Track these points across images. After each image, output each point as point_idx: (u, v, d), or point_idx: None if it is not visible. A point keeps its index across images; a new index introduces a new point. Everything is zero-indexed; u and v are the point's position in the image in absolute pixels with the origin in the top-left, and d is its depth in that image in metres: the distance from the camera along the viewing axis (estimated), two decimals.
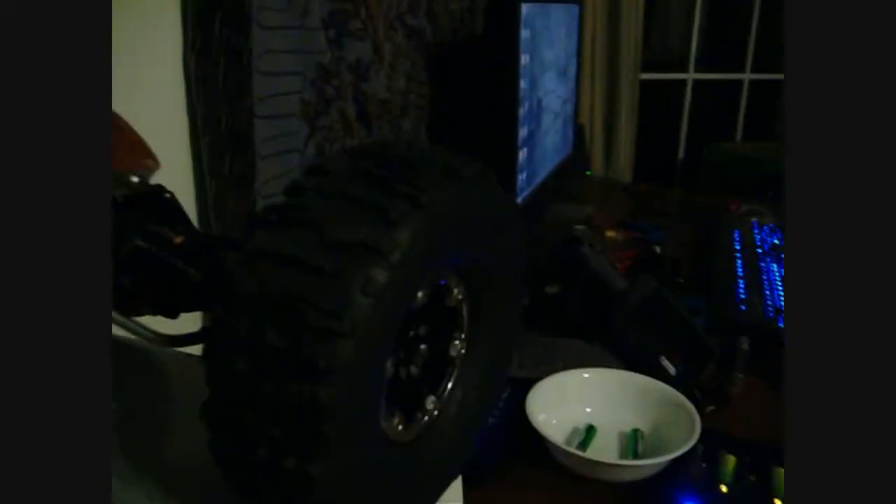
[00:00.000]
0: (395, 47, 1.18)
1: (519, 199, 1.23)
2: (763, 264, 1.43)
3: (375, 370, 0.33)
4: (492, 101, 1.19)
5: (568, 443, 0.88)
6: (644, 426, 0.90)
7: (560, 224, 1.50)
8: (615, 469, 0.82)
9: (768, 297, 1.27)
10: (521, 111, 1.19)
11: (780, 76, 2.67)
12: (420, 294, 0.37)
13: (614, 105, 2.13)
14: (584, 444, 0.87)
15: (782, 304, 1.25)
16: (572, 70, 1.60)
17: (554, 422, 0.89)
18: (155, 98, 0.82)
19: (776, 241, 1.58)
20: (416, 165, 0.34)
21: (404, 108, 1.21)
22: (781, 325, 1.18)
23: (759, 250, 1.52)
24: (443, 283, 0.40)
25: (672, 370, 0.99)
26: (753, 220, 1.71)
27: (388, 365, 0.35)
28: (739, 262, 1.44)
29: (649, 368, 0.97)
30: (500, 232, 0.41)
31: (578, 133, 2.00)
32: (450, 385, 0.43)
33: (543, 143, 1.39)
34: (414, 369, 0.41)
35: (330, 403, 0.30)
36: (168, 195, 0.42)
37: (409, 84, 1.24)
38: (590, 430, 0.89)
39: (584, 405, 0.93)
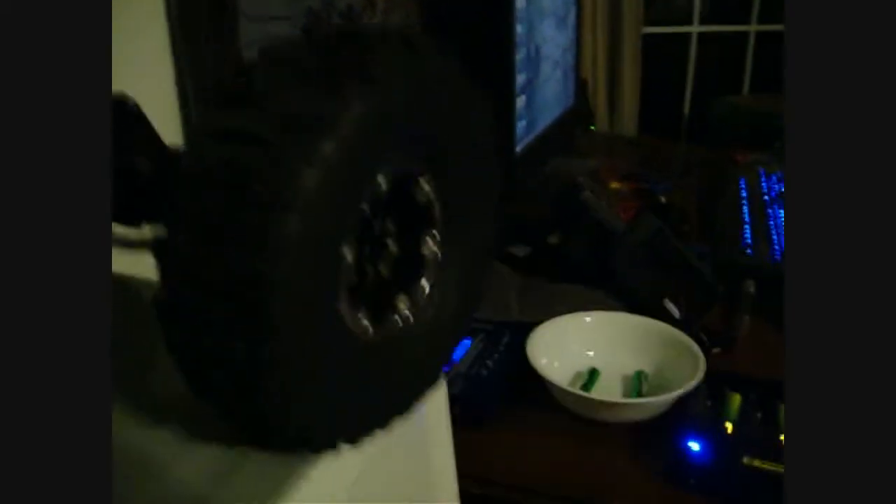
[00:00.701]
0: None
1: (518, 148, 1.20)
2: (770, 210, 1.41)
3: (326, 249, 0.31)
4: (488, 47, 1.16)
5: (571, 386, 0.86)
6: (648, 368, 0.89)
7: (563, 177, 1.47)
8: (619, 408, 0.81)
9: (776, 242, 1.25)
10: (519, 57, 1.16)
11: None
12: (382, 182, 0.35)
13: (617, 59, 2.10)
14: (587, 387, 0.85)
15: None
16: (572, 18, 1.57)
17: (556, 365, 0.87)
18: (138, 41, 0.80)
19: (783, 189, 1.55)
20: (371, 39, 0.32)
21: None
22: None
23: (766, 198, 1.49)
24: (406, 170, 0.38)
25: (676, 313, 0.97)
26: (760, 168, 1.68)
27: (347, 253, 0.33)
28: (746, 208, 1.41)
29: (653, 312, 0.95)
30: (464, 115, 0.39)
31: (581, 87, 1.96)
32: (426, 287, 0.41)
33: (543, 92, 1.36)
34: (383, 267, 0.39)
35: (274, 278, 0.28)
36: (133, 106, 0.40)
37: None
38: (593, 374, 0.88)
39: (587, 349, 0.91)
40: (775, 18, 2.64)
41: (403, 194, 0.38)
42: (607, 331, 0.92)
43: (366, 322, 0.36)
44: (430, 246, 0.41)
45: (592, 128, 2.06)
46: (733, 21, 2.64)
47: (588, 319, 0.93)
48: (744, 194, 1.50)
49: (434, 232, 0.40)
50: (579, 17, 1.65)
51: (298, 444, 0.33)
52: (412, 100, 0.34)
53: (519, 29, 1.15)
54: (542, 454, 0.78)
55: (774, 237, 1.27)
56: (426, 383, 0.42)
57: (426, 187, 0.39)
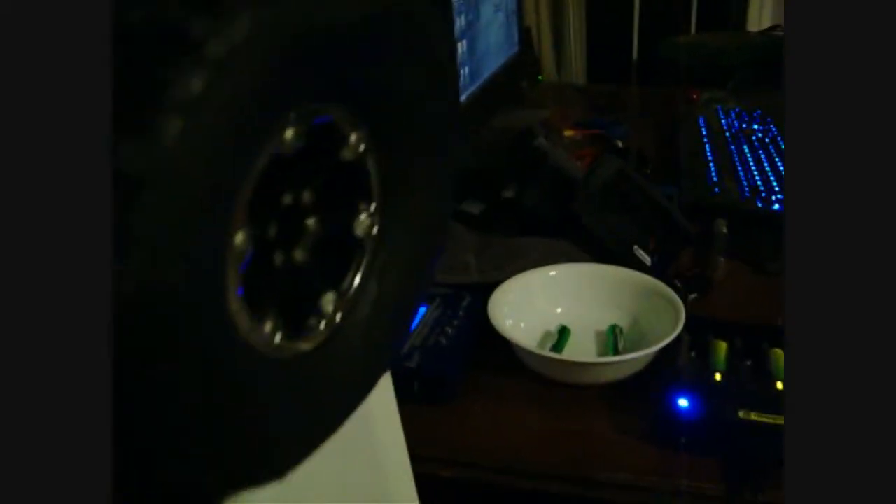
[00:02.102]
0: None
1: (463, 97, 1.11)
2: (733, 147, 1.34)
3: (200, 231, 0.21)
4: None
5: (540, 347, 0.78)
6: (622, 321, 0.81)
7: (514, 127, 1.39)
8: (594, 368, 0.73)
9: (743, 179, 1.18)
10: None
11: None
12: (290, 135, 0.24)
13: (560, 4, 2.01)
14: (557, 347, 0.77)
15: (758, 183, 1.15)
16: None
17: (522, 326, 0.79)
18: None
19: (744, 125, 1.48)
20: None
21: None
22: (760, 204, 1.09)
23: (728, 134, 1.42)
24: (325, 119, 0.27)
25: (647, 259, 0.90)
26: (717, 106, 1.62)
27: (237, 234, 0.23)
28: (708, 146, 1.34)
29: (622, 260, 0.87)
30: (407, 42, 0.28)
31: (525, 36, 1.87)
32: (357, 277, 0.30)
33: (486, 37, 1.27)
34: (300, 254, 0.28)
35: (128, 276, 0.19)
36: None
37: None
38: (563, 332, 0.80)
39: (555, 306, 0.83)
40: None
41: (325, 154, 0.28)
42: (575, 284, 0.84)
43: (271, 329, 0.26)
44: (364, 221, 0.30)
45: (540, 78, 1.97)
46: None
47: (553, 274, 0.84)
48: (704, 132, 1.43)
49: (368, 198, 0.30)
50: None
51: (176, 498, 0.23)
52: (329, 20, 0.24)
53: None
54: (516, 427, 0.70)
55: (741, 174, 1.20)
56: (358, 397, 0.31)
57: (356, 143, 0.28)
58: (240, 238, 0.23)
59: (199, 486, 0.23)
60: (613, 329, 0.80)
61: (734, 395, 0.66)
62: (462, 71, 1.11)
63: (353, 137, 0.28)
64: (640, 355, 0.70)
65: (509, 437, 0.69)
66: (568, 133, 1.47)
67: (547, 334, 0.81)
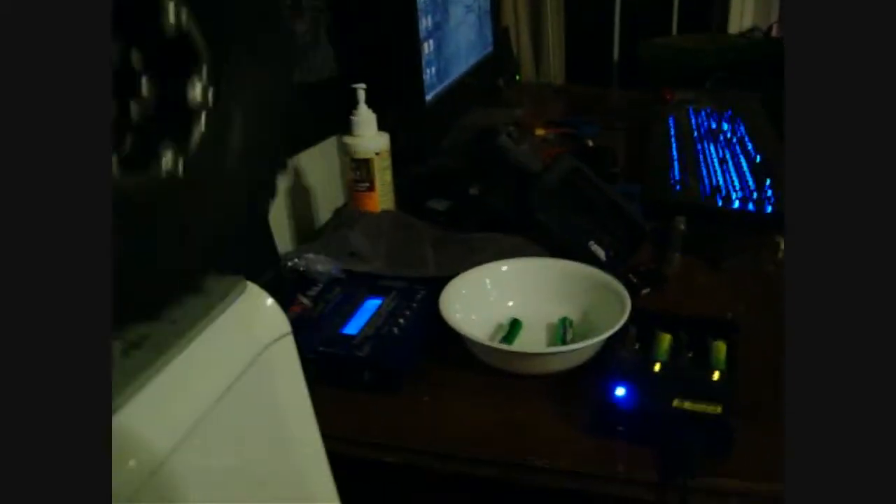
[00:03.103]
0: None
1: (429, 97, 1.13)
2: (700, 146, 1.36)
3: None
4: None
5: (491, 339, 0.80)
6: (573, 314, 0.83)
7: (480, 126, 1.41)
8: (541, 359, 0.75)
9: (705, 178, 1.20)
10: None
11: None
12: None
13: (539, 3, 2.03)
14: (507, 339, 0.79)
15: (720, 182, 1.18)
16: None
17: (473, 318, 0.81)
18: None
19: (713, 125, 1.50)
20: None
21: (295, 9, 1.10)
22: (720, 203, 1.12)
23: (696, 134, 1.44)
24: None
25: (602, 254, 0.92)
26: (689, 106, 1.64)
27: None
28: (675, 146, 1.36)
29: (578, 255, 0.89)
30: None
31: (503, 36, 1.89)
32: (196, 140, 0.32)
33: (455, 37, 1.29)
34: (135, 112, 0.31)
35: None
36: None
37: None
38: (514, 325, 0.82)
39: (506, 299, 0.85)
40: None
41: (147, 21, 0.30)
42: (527, 279, 0.86)
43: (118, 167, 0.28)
44: (197, 90, 0.32)
45: (518, 78, 1.99)
46: None
47: (505, 268, 0.86)
48: (672, 132, 1.45)
49: (200, 75, 0.32)
50: None
51: None
52: None
53: None
54: (463, 416, 0.72)
55: (704, 173, 1.22)
56: (208, 254, 0.33)
57: (174, 15, 0.30)
58: None
59: None
60: (564, 321, 0.82)
61: (670, 385, 0.68)
62: (429, 70, 1.13)
63: (170, 7, 0.30)
64: (583, 346, 0.72)
65: (455, 426, 0.70)
66: (539, 132, 1.49)
67: (499, 327, 0.83)
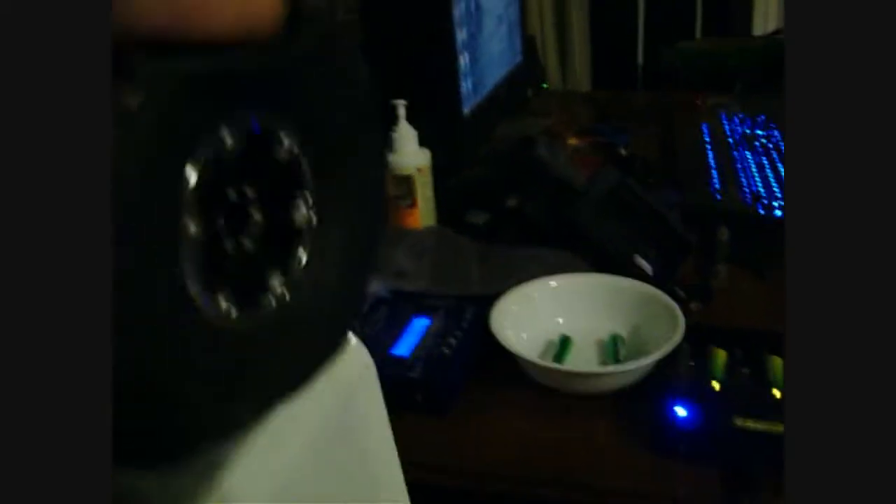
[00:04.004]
0: None
1: (466, 110, 1.13)
2: (736, 153, 1.35)
3: (151, 229, 0.24)
4: (424, 3, 1.08)
5: (542, 357, 0.79)
6: (623, 331, 0.82)
7: (516, 137, 1.40)
8: (595, 378, 0.74)
9: (745, 185, 1.19)
10: (457, 12, 1.08)
11: None
12: (228, 139, 0.28)
13: (564, 11, 2.02)
14: (559, 358, 0.78)
15: (760, 190, 1.16)
16: None
17: (524, 337, 0.80)
18: None
19: (747, 131, 1.49)
20: None
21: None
22: (761, 211, 1.10)
23: (731, 140, 1.43)
24: (259, 129, 0.30)
25: (648, 268, 0.91)
26: (721, 111, 1.63)
27: (190, 225, 0.26)
28: (711, 153, 1.35)
29: (623, 269, 0.89)
30: (318, 69, 0.31)
31: (529, 44, 1.89)
32: (301, 261, 0.33)
33: (489, 48, 1.28)
34: (248, 242, 0.32)
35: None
36: None
37: None
38: (565, 342, 0.81)
39: (556, 316, 0.84)
40: None
41: (261, 154, 0.31)
42: (576, 295, 0.85)
43: (227, 304, 0.29)
44: (302, 210, 0.33)
45: (545, 86, 1.98)
46: None
47: (554, 284, 0.85)
48: (707, 139, 1.44)
49: (305, 193, 0.33)
50: None
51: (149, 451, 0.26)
52: (228, 68, 0.27)
53: None
54: (516, 436, 0.71)
55: (743, 180, 1.21)
56: (311, 366, 0.34)
57: (288, 143, 0.32)
58: (193, 228, 0.26)
59: (157, 446, 0.26)
60: (615, 338, 0.81)
61: (731, 403, 0.67)
62: (465, 83, 1.13)
63: (285, 141, 0.31)
64: (639, 365, 0.71)
65: (509, 447, 0.70)
66: (571, 141, 1.48)
67: (549, 344, 0.82)
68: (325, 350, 0.34)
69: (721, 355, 0.74)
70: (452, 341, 0.78)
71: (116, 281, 0.22)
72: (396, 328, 0.81)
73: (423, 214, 1.01)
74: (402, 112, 0.98)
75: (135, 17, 0.22)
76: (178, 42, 0.24)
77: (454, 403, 0.74)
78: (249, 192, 0.31)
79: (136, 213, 0.23)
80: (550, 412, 0.74)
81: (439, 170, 1.09)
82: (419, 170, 0.99)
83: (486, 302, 0.82)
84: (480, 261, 0.94)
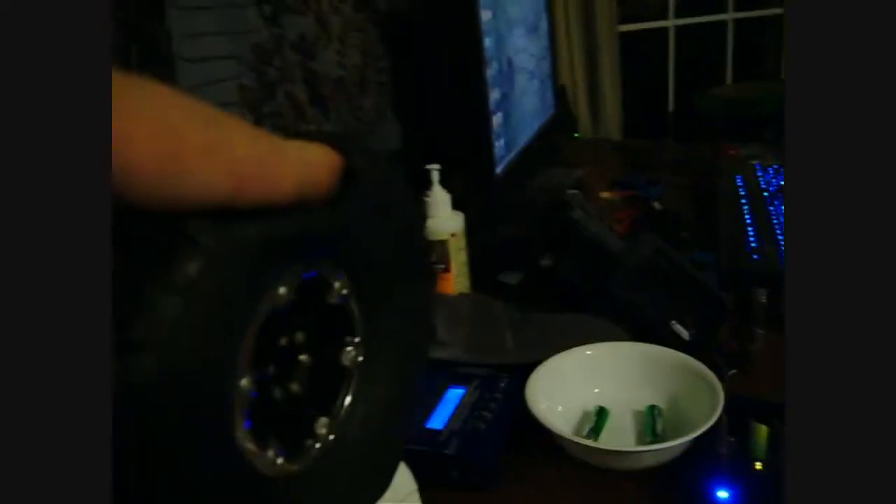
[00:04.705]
0: (343, 20, 1.08)
1: (499, 168, 1.13)
2: (772, 208, 1.33)
3: (210, 380, 0.24)
4: (456, 65, 1.09)
5: (578, 430, 0.78)
6: (661, 401, 0.81)
7: (549, 190, 1.40)
8: (632, 456, 0.73)
9: (782, 244, 1.17)
10: (490, 72, 1.09)
11: (765, 12, 2.55)
12: (283, 291, 0.28)
13: (595, 61, 2.02)
14: (595, 431, 0.77)
15: None
16: (544, 26, 1.49)
17: (560, 409, 0.79)
18: None
19: (782, 183, 1.47)
20: None
21: (363, 86, 1.11)
22: None
23: (766, 193, 1.41)
24: (312, 274, 0.30)
25: (685, 334, 0.89)
26: (755, 163, 1.61)
27: (245, 384, 0.26)
28: (746, 208, 1.33)
29: (660, 336, 0.87)
30: (372, 223, 0.32)
31: (561, 94, 1.89)
32: (347, 402, 0.33)
33: (521, 105, 1.29)
34: (295, 387, 0.31)
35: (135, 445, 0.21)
36: None
37: (365, 59, 1.14)
38: (601, 414, 0.80)
39: (592, 386, 0.83)
40: (752, 4, 2.57)
41: (312, 299, 0.31)
42: (612, 364, 0.84)
43: (273, 454, 0.28)
44: (350, 353, 0.33)
45: (577, 135, 1.98)
46: (709, 11, 2.58)
47: (589, 353, 0.84)
48: (742, 192, 1.42)
49: (354, 337, 0.33)
50: (551, 22, 1.58)
51: None
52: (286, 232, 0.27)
53: (487, 42, 1.08)
54: None
55: (780, 237, 1.19)
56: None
57: (339, 289, 0.32)
58: (244, 382, 0.26)
59: None
60: (652, 409, 0.79)
61: (776, 486, 0.65)
62: (498, 143, 1.13)
63: (336, 285, 0.31)
64: (678, 443, 0.70)
65: None
66: (604, 195, 1.48)
67: (585, 415, 0.81)
68: (373, 487, 0.34)
69: (763, 432, 0.72)
70: (486, 414, 0.77)
71: (172, 447, 0.22)
72: (431, 399, 0.80)
73: (456, 279, 1.01)
74: (435, 176, 0.98)
75: (198, 187, 0.22)
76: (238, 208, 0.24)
77: (491, 479, 0.73)
78: (300, 337, 0.31)
79: (191, 388, 0.23)
80: (587, 488, 0.72)
81: (472, 227, 1.09)
82: (453, 235, 0.99)
83: (522, 371, 0.81)
84: (516, 329, 0.93)
